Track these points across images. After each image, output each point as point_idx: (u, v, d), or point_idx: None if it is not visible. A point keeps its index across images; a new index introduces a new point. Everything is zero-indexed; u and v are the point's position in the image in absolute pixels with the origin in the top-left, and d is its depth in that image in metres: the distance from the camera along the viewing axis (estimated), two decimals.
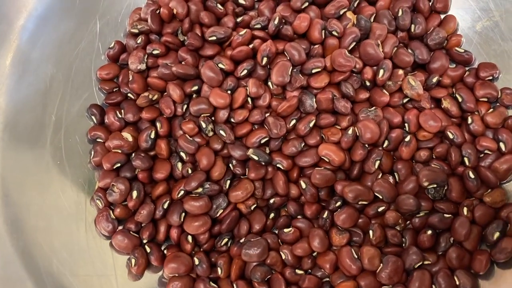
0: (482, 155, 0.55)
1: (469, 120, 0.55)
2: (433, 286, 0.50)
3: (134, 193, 0.54)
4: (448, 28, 0.59)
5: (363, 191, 0.53)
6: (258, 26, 0.58)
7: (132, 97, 0.59)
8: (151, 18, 0.58)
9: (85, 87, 0.60)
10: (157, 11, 0.59)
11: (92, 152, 0.57)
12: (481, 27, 0.59)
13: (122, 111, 0.58)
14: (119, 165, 0.55)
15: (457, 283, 0.50)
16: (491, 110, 0.56)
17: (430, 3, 0.60)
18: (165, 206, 0.54)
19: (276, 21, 0.57)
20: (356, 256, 0.51)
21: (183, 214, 0.54)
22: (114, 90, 0.60)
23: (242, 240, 0.54)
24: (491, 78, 0.57)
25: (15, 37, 0.56)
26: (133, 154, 0.56)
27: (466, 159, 0.54)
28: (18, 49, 0.56)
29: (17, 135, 0.54)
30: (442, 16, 0.60)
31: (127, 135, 0.56)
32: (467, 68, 0.58)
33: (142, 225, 0.55)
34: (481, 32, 0.59)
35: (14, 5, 0.56)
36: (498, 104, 0.57)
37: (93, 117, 0.58)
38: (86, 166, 0.58)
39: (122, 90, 0.59)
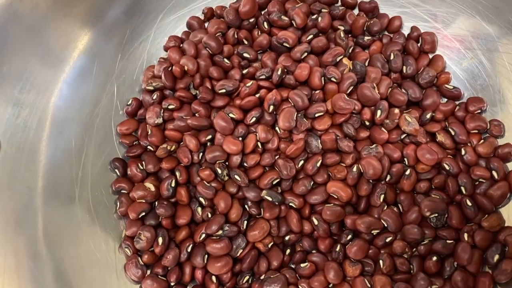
0: (477, 183, 0.59)
1: (463, 152, 0.59)
2: None
3: (160, 240, 0.58)
4: (436, 67, 0.65)
5: (373, 221, 0.57)
6: (263, 76, 0.63)
7: (152, 149, 0.63)
8: (165, 76, 0.63)
9: (107, 142, 0.64)
10: (170, 69, 0.64)
11: (118, 203, 0.61)
12: (467, 64, 0.65)
13: (143, 162, 0.62)
14: (143, 214, 0.60)
15: None
16: (482, 141, 0.60)
17: (419, 45, 0.66)
18: (189, 249, 0.58)
19: (279, 72, 0.62)
20: (369, 285, 0.55)
21: (206, 256, 0.58)
22: (134, 143, 0.64)
23: (262, 277, 0.58)
24: (479, 111, 0.62)
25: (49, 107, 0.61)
26: (156, 203, 0.60)
27: (462, 188, 0.58)
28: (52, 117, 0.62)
29: (52, 194, 0.58)
30: (431, 56, 0.66)
31: (150, 185, 0.61)
32: (457, 103, 0.63)
33: (169, 268, 0.59)
34: (467, 68, 0.65)
35: (49, 75, 0.62)
36: (488, 135, 0.61)
37: (116, 170, 0.63)
38: (113, 216, 0.62)
39: (141, 143, 0.64)
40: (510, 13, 0.61)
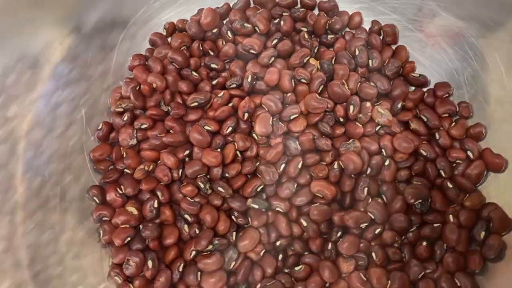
0: (454, 164, 0.61)
1: (437, 136, 0.61)
2: None
3: (150, 263, 0.57)
4: (401, 57, 0.66)
5: (361, 215, 0.58)
6: (234, 85, 0.63)
7: (129, 171, 0.61)
8: (134, 96, 0.62)
9: (82, 170, 0.62)
10: (137, 88, 0.63)
11: (101, 231, 0.59)
12: (430, 51, 0.66)
13: (122, 186, 0.61)
14: (129, 239, 0.58)
15: (459, 284, 0.55)
16: (454, 123, 0.62)
17: (381, 38, 0.67)
18: (180, 269, 0.57)
19: (249, 79, 0.62)
20: (365, 279, 0.56)
21: (199, 273, 0.57)
22: (109, 168, 0.63)
23: (258, 286, 0.57)
24: (447, 95, 0.64)
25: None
26: (140, 226, 0.59)
27: (442, 171, 0.59)
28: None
29: (33, 229, 0.56)
30: (394, 47, 0.67)
31: (131, 208, 0.59)
32: (425, 90, 0.65)
33: None
34: (430, 56, 0.66)
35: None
36: (458, 117, 0.63)
37: (94, 198, 0.60)
38: (97, 246, 0.60)
39: (117, 167, 0.62)
40: None
